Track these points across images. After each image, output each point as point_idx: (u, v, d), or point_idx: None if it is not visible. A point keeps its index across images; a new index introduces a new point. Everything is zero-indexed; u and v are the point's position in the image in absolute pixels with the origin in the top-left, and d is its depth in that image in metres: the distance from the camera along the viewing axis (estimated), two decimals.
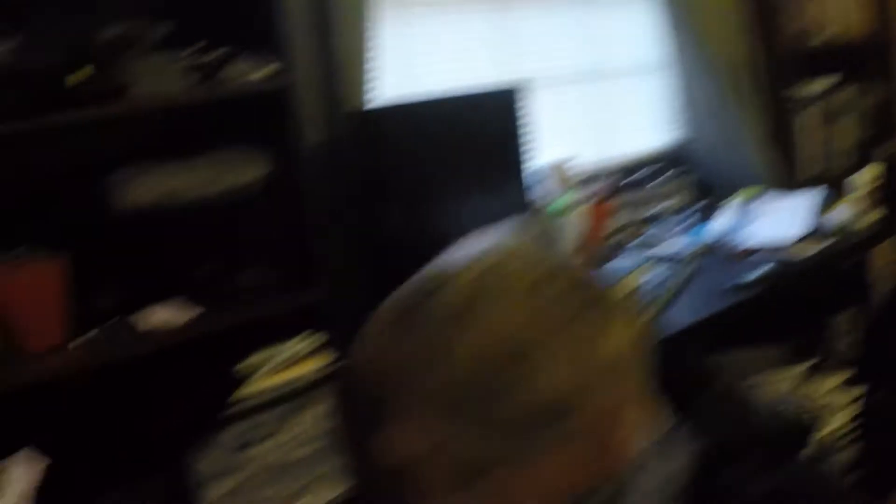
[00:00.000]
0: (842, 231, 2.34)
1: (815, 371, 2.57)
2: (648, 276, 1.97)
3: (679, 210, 2.66)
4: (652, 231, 2.48)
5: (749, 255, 2.19)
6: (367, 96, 1.92)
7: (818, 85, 3.10)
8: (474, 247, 0.56)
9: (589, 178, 2.42)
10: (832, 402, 2.21)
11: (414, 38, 2.20)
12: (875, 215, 2.50)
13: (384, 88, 2.04)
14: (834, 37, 3.18)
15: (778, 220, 2.38)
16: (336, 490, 1.74)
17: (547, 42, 2.49)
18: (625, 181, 2.58)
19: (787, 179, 2.80)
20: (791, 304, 2.84)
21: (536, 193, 2.24)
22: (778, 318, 2.82)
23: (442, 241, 1.88)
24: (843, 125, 3.20)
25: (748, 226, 2.25)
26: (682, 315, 1.83)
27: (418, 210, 1.91)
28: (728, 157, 2.79)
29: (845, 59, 3.30)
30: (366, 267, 1.90)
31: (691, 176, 2.84)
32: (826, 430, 2.07)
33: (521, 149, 2.13)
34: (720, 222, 2.35)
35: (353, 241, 1.89)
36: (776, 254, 2.18)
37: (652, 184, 2.63)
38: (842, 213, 2.41)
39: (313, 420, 1.72)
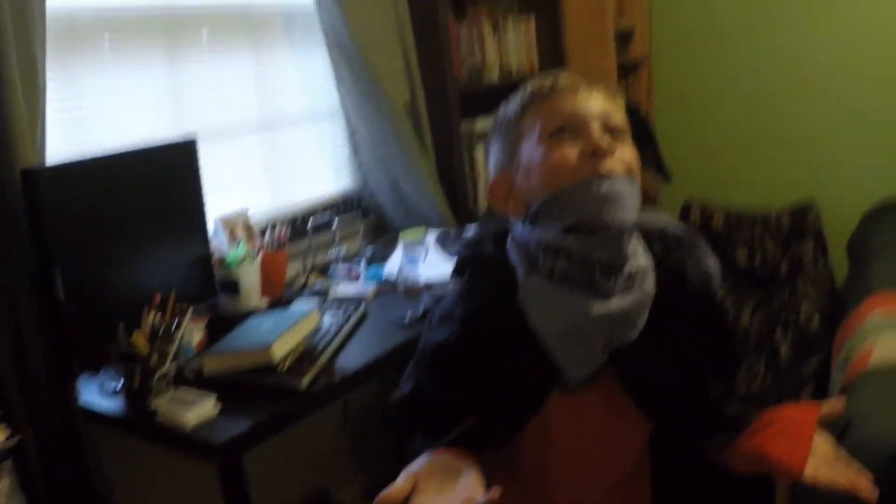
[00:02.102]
0: None
1: None
2: (326, 319, 2.30)
3: (356, 253, 3.03)
4: (329, 275, 2.82)
5: (420, 292, 2.60)
6: (39, 156, 2.04)
7: (489, 123, 3.61)
8: None
9: (266, 227, 2.71)
10: None
11: (85, 93, 2.36)
12: None
13: (57, 147, 2.19)
14: (507, 75, 3.72)
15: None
16: None
17: (221, 93, 2.74)
18: (302, 227, 2.91)
19: (459, 217, 3.26)
20: None
21: (216, 244, 2.51)
22: None
23: (124, 301, 2.09)
24: None
25: (418, 264, 2.65)
26: (359, 354, 2.16)
27: (96, 271, 2.09)
28: (401, 198, 3.17)
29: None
30: (43, 335, 2.01)
31: (367, 219, 3.24)
32: None
33: (199, 201, 2.36)
34: (393, 263, 2.74)
35: (29, 309, 2.00)
36: (444, 289, 2.61)
37: (329, 229, 2.97)
38: None
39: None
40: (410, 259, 2.62)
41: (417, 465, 1.21)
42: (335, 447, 3.16)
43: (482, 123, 3.53)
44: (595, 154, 1.20)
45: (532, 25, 3.96)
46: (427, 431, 1.30)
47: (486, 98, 3.60)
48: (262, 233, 2.67)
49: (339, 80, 3.04)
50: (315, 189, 3.12)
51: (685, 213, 4.38)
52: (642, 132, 4.43)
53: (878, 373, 2.22)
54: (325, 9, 2.90)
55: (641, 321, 1.23)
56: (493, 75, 3.64)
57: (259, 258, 2.52)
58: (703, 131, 4.65)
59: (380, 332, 2.33)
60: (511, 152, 1.29)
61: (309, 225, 2.91)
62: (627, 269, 1.22)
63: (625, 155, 1.24)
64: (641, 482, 1.39)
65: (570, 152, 1.21)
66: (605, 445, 1.32)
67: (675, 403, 1.28)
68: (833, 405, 1.25)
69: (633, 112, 4.35)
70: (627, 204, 1.20)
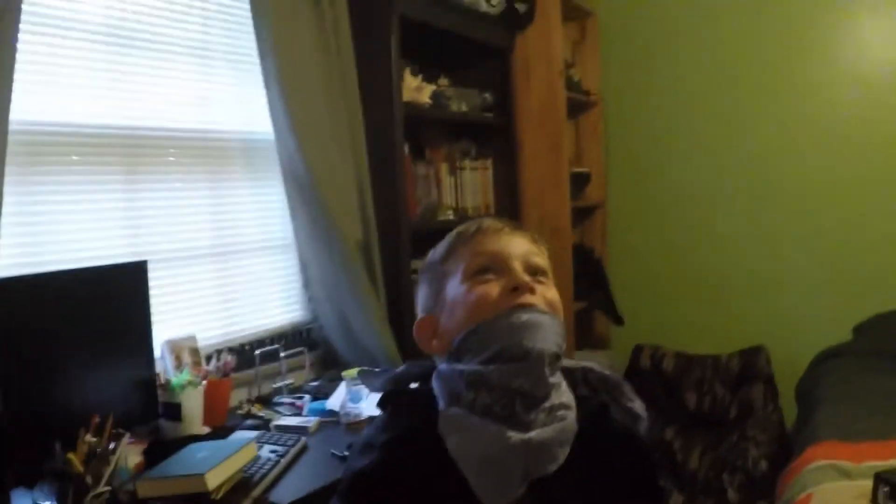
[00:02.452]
0: None
1: None
2: (265, 450, 2.33)
3: (301, 386, 3.08)
4: (273, 405, 2.87)
5: (364, 427, 2.65)
6: None
7: None
8: None
9: (213, 354, 2.76)
10: None
11: (39, 211, 2.42)
12: None
13: (6, 261, 2.25)
14: (462, 215, 3.86)
15: None
16: None
17: (175, 219, 2.82)
18: (250, 356, 2.96)
19: (407, 355, 3.27)
20: None
21: (162, 368, 2.56)
22: None
23: (64, 418, 2.12)
24: None
25: (361, 401, 2.70)
26: (295, 487, 2.19)
27: (38, 387, 2.12)
28: (350, 334, 3.23)
29: None
30: None
31: (316, 352, 3.31)
32: None
33: (147, 324, 2.41)
34: (336, 398, 2.79)
35: None
36: None
37: (276, 360, 3.04)
38: None
39: None
40: (353, 396, 2.68)
41: None
42: None
43: None
44: (516, 290, 1.29)
45: (489, 167, 4.14)
46: None
47: (440, 237, 3.71)
48: (209, 359, 2.72)
49: (293, 213, 3.13)
50: (265, 319, 3.19)
51: (636, 356, 4.49)
52: (596, 275, 4.58)
53: None
54: (282, 142, 3.01)
55: (562, 455, 1.25)
56: (449, 215, 3.77)
57: (203, 385, 2.57)
58: (655, 276, 4.81)
59: (318, 466, 2.37)
60: (436, 293, 1.39)
61: (256, 354, 2.97)
62: (549, 402, 1.27)
63: (547, 293, 1.33)
64: None
65: (492, 289, 1.30)
66: None
67: None
68: None
69: (586, 255, 4.51)
70: (548, 333, 1.27)
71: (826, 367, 3.86)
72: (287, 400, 2.89)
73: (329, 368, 3.28)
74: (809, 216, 4.39)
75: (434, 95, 3.72)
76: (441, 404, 1.31)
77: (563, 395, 1.30)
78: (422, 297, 1.44)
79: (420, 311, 1.43)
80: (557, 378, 1.30)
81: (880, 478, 2.29)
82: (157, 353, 2.56)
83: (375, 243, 3.31)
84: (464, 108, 3.90)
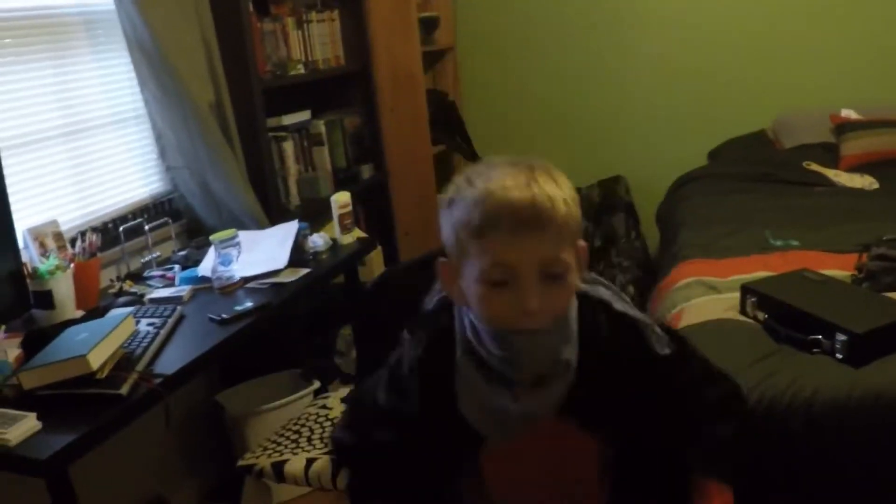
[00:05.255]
0: (325, 253, 3.04)
1: (325, 388, 3.16)
2: (142, 324, 2.37)
3: (169, 257, 3.11)
4: (144, 280, 2.89)
5: (237, 289, 2.72)
6: None
7: (295, 117, 3.75)
8: None
9: (77, 236, 2.74)
10: None
11: None
12: (354, 235, 3.19)
13: None
14: (313, 68, 3.87)
15: (262, 254, 2.94)
16: None
17: (19, 103, 2.73)
18: (114, 234, 2.95)
19: (271, 214, 3.37)
20: (289, 328, 3.42)
21: (27, 258, 2.54)
22: (282, 344, 3.38)
23: None
24: (320, 155, 3.90)
25: (234, 262, 2.76)
26: (178, 356, 2.25)
27: None
28: (212, 200, 3.25)
29: (323, 91, 4.04)
30: None
31: (180, 223, 3.32)
32: None
33: (7, 214, 2.35)
34: (207, 264, 2.84)
35: None
36: (263, 284, 2.76)
37: (141, 235, 3.04)
38: (322, 237, 3.07)
39: None
40: (224, 259, 2.72)
41: None
42: (164, 452, 3.24)
43: (290, 118, 3.68)
44: (525, 312, 1.28)
45: (336, 18, 4.11)
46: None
47: (293, 92, 3.73)
48: (73, 242, 2.71)
49: (142, 83, 3.09)
50: (125, 195, 3.16)
51: None
52: (451, 119, 4.66)
53: (687, 334, 2.47)
54: (124, 11, 2.93)
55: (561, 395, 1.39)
56: (300, 69, 3.76)
57: (71, 268, 2.57)
58: (511, 115, 4.92)
59: (197, 333, 2.42)
60: (458, 255, 1.34)
61: (120, 231, 2.96)
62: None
63: (558, 302, 1.32)
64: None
65: (504, 302, 1.29)
66: (555, 469, 1.48)
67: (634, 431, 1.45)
68: None
69: (440, 99, 4.58)
70: (543, 352, 1.34)
71: (684, 191, 4.07)
72: (157, 273, 2.91)
73: (195, 237, 3.31)
74: (662, 47, 4.53)
75: None
76: (458, 349, 1.41)
77: (564, 351, 1.37)
78: (444, 234, 1.36)
79: (444, 242, 1.38)
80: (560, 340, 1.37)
81: (747, 289, 2.49)
82: (19, 243, 2.54)
83: (228, 105, 3.29)
84: None
